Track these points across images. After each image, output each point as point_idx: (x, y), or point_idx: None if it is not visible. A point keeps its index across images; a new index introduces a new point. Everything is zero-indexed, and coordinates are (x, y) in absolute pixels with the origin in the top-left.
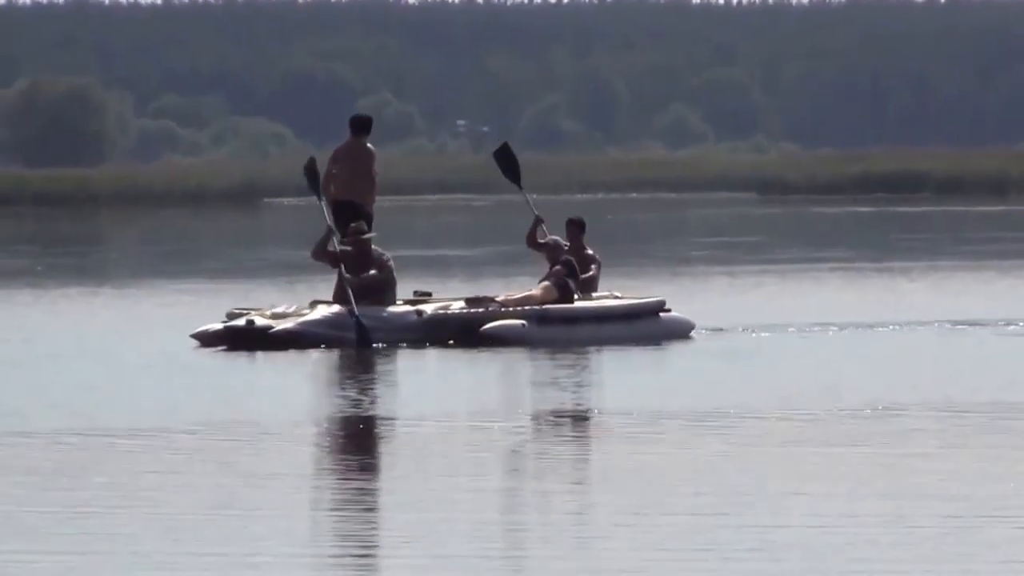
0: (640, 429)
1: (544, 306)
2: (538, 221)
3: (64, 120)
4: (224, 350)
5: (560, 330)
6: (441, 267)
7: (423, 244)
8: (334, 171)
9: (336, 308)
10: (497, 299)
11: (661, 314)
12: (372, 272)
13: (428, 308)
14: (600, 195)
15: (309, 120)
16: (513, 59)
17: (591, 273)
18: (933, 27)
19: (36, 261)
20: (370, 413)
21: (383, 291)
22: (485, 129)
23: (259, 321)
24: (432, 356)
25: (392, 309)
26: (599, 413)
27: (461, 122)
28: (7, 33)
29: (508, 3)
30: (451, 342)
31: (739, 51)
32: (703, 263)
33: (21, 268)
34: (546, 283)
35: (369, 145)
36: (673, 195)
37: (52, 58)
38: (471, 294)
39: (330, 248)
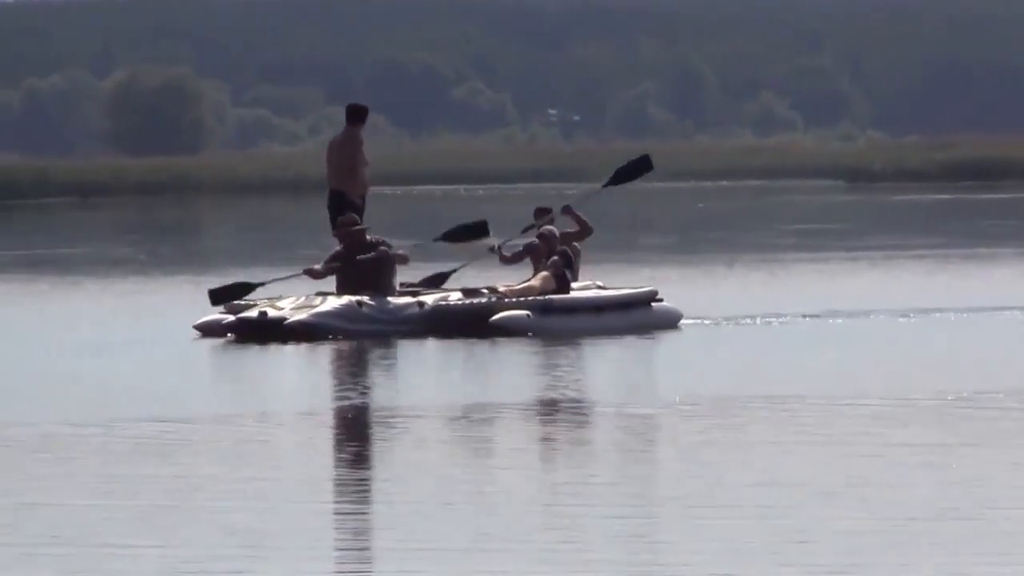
0: (704, 418)
1: (547, 296)
2: (496, 248)
3: (162, 110)
4: (233, 341)
5: (562, 320)
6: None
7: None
8: (328, 162)
9: (346, 299)
10: (499, 289)
11: (653, 304)
12: (371, 255)
13: (428, 299)
14: (689, 183)
15: (403, 109)
16: (603, 47)
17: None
18: (1021, 11)
19: (138, 250)
20: (375, 404)
21: (380, 274)
22: (576, 117)
23: (271, 312)
24: (438, 347)
25: (395, 300)
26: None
27: (552, 111)
28: (104, 25)
29: None
30: (451, 333)
31: (826, 38)
32: (790, 250)
33: (124, 257)
34: (544, 273)
35: (360, 135)
36: (761, 183)
37: (148, 49)
38: (467, 285)
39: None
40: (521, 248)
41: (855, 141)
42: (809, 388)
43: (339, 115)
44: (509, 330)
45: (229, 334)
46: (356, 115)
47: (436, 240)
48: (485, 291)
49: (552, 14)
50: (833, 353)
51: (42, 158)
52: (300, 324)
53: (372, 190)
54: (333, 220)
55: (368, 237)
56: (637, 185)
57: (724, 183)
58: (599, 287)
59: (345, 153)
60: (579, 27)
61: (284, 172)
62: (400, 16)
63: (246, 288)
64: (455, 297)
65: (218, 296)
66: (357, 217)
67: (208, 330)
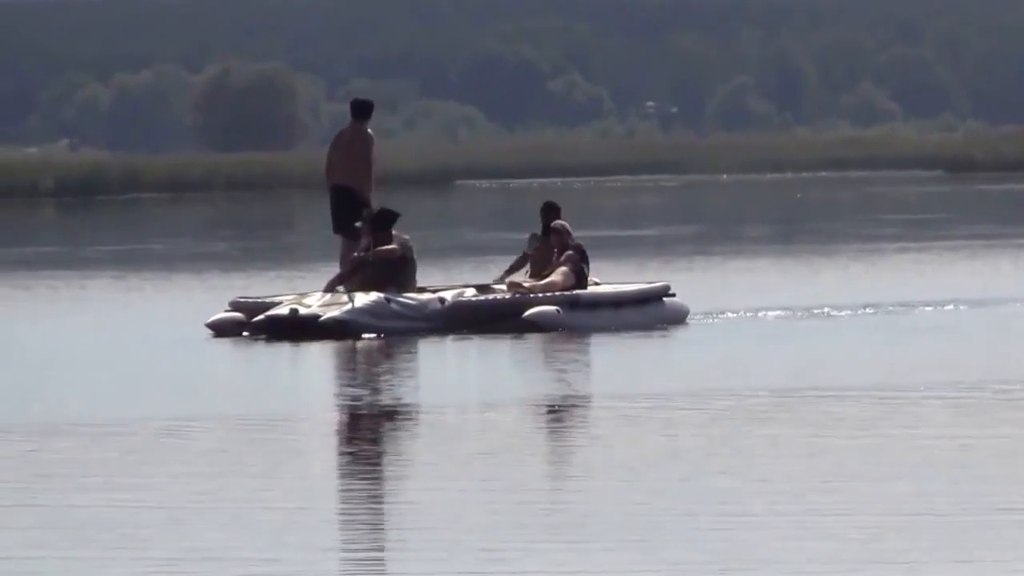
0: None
1: (573, 291)
2: (523, 259)
3: (255, 105)
4: (263, 339)
5: (587, 315)
6: (632, 247)
7: (613, 225)
8: (333, 157)
9: (375, 296)
10: (524, 284)
11: (664, 299)
12: (392, 247)
13: (448, 295)
14: (788, 174)
15: (499, 102)
16: (701, 39)
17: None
18: None
19: (231, 246)
20: (403, 402)
21: (402, 270)
22: (674, 110)
23: (303, 310)
24: (465, 344)
25: (419, 297)
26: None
27: (650, 103)
28: (197, 19)
29: None
30: (477, 329)
31: (925, 28)
32: (889, 241)
33: (218, 252)
34: (563, 269)
35: (369, 131)
36: (860, 174)
37: (242, 44)
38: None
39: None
40: (559, 227)
41: (955, 131)
42: (897, 379)
43: (436, 108)
44: (541, 325)
45: (254, 332)
46: (363, 110)
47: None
48: (500, 287)
49: (650, 6)
50: (928, 343)
51: (132, 154)
52: (335, 321)
53: (466, 183)
54: (339, 218)
55: (394, 235)
56: (735, 178)
57: (823, 174)
58: (595, 284)
59: (358, 150)
60: (678, 19)
61: (379, 166)
62: (497, 9)
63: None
64: (469, 294)
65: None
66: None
67: (221, 329)
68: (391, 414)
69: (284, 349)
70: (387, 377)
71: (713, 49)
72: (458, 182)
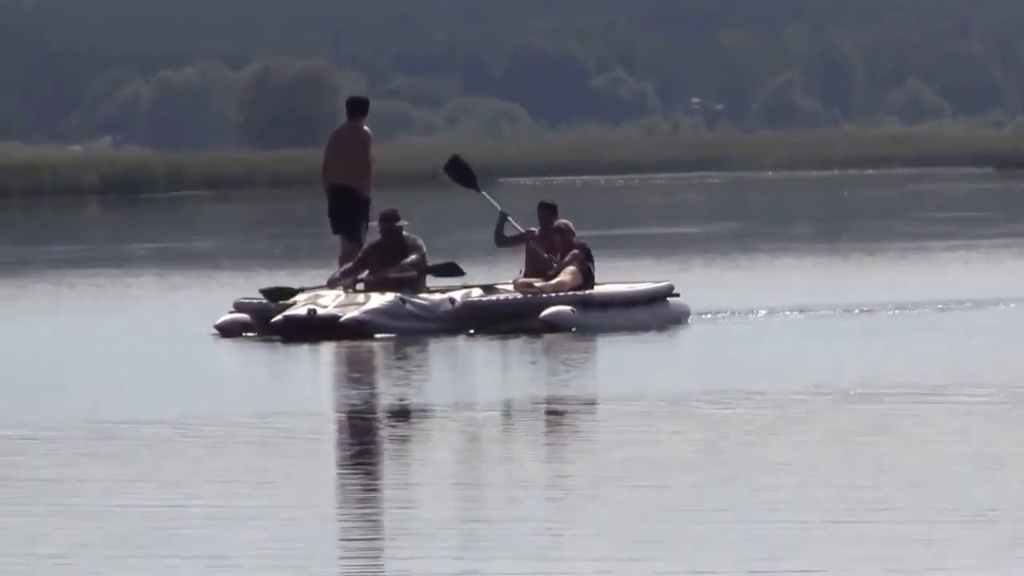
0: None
1: (586, 291)
2: (503, 216)
3: (297, 102)
4: (279, 340)
5: (599, 315)
6: (676, 245)
7: (658, 223)
8: (331, 156)
9: (390, 296)
10: (536, 284)
11: (668, 299)
12: (412, 258)
13: (457, 296)
14: (835, 172)
15: (542, 99)
16: (747, 35)
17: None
18: None
19: (274, 244)
20: (423, 403)
21: (417, 277)
22: (720, 106)
23: (320, 310)
24: (476, 345)
25: (431, 297)
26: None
27: (695, 100)
28: (238, 16)
29: None
30: (472, 331)
31: (975, 24)
32: (936, 238)
33: (260, 251)
34: (571, 268)
35: (365, 128)
36: (909, 171)
37: (283, 40)
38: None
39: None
40: (562, 225)
41: (1004, 128)
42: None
43: (478, 105)
44: (556, 325)
45: (271, 333)
46: (359, 108)
47: (444, 169)
48: (506, 287)
49: (695, 1)
50: (977, 343)
51: (175, 151)
52: (355, 322)
53: (509, 180)
54: (338, 218)
55: (406, 235)
56: (781, 175)
57: (871, 172)
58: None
59: (356, 149)
60: (724, 14)
61: (422, 164)
62: (540, 4)
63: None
64: (476, 294)
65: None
66: (398, 214)
67: (228, 330)
68: (416, 415)
69: (302, 350)
70: (407, 378)
71: (759, 45)
72: (501, 180)
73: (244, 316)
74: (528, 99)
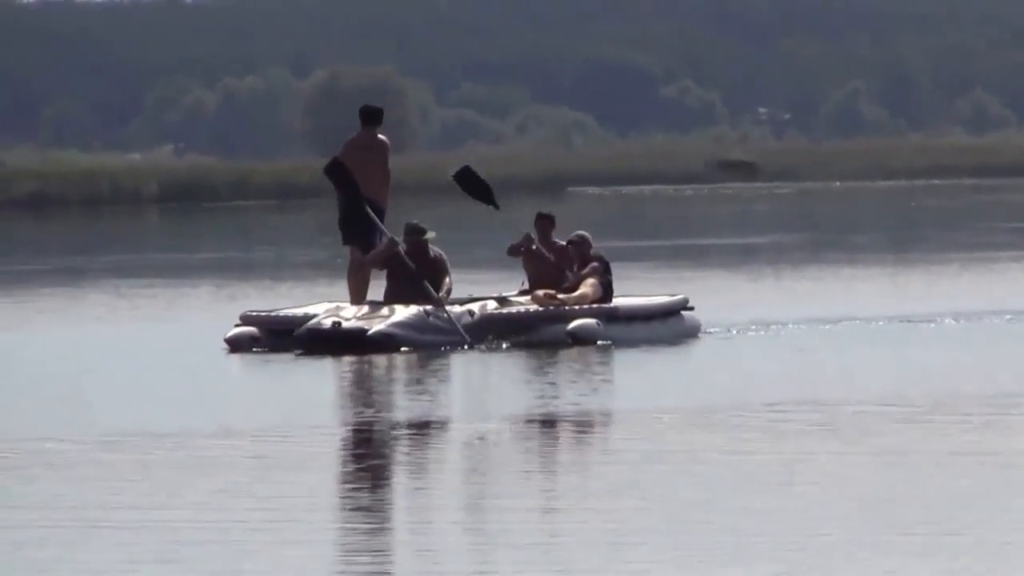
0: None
1: (611, 304)
2: (528, 239)
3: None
4: (300, 354)
5: (623, 328)
6: (747, 255)
7: (728, 232)
8: (348, 165)
9: (414, 309)
10: (559, 297)
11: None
12: (447, 281)
13: (475, 308)
14: (902, 181)
15: (611, 108)
16: (814, 45)
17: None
18: None
19: (336, 253)
20: (438, 417)
21: (437, 285)
22: (787, 116)
23: (345, 324)
24: (501, 357)
25: (452, 310)
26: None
27: (763, 109)
28: (304, 23)
29: None
30: (491, 339)
31: None
32: (1004, 249)
33: (321, 260)
34: (591, 281)
35: (381, 136)
36: (974, 181)
37: (350, 48)
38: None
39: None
40: (576, 238)
41: None
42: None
43: (546, 113)
44: (583, 338)
45: (293, 346)
46: (373, 116)
47: (453, 177)
48: (519, 300)
49: (763, 10)
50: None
51: (239, 160)
52: (382, 335)
53: (577, 190)
54: (352, 229)
55: (431, 248)
56: (849, 185)
57: (936, 181)
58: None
59: (370, 157)
60: (790, 24)
61: (490, 172)
62: (608, 13)
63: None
64: (491, 306)
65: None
66: (424, 226)
67: (238, 344)
68: (442, 429)
69: (321, 363)
70: (429, 391)
71: (826, 54)
72: (570, 189)
73: (252, 329)
74: (597, 108)
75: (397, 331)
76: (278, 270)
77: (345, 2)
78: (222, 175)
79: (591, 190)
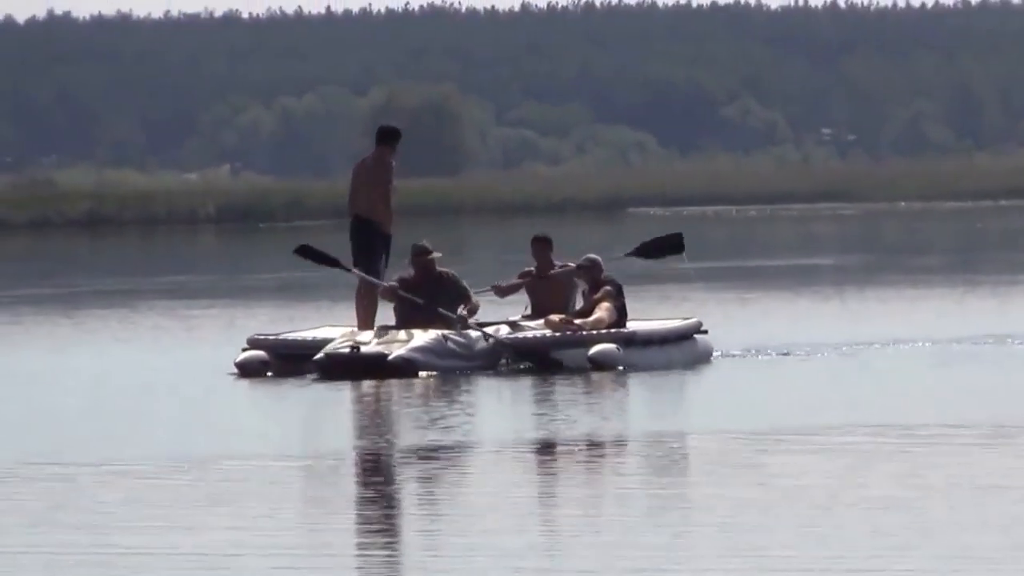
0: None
1: (630, 329)
2: (527, 275)
3: (422, 130)
4: (317, 379)
5: (641, 353)
6: (810, 276)
7: (790, 254)
8: (355, 185)
9: (434, 333)
10: (575, 322)
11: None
12: (470, 305)
13: (503, 330)
14: (968, 203)
15: (672, 128)
16: (878, 65)
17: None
18: None
19: (392, 273)
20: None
21: (452, 308)
22: (851, 137)
23: (365, 348)
24: (521, 383)
25: (469, 334)
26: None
27: (826, 130)
28: (362, 42)
29: (872, 8)
30: (522, 366)
31: None
32: None
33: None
34: (607, 305)
35: (389, 158)
36: None
37: (409, 66)
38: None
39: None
40: (586, 262)
41: None
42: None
43: (607, 133)
44: (604, 364)
45: (312, 371)
46: (384, 136)
47: (628, 255)
48: (531, 324)
49: (826, 31)
50: None
51: (296, 180)
52: (402, 360)
53: (638, 211)
54: (357, 252)
55: (440, 270)
56: (914, 206)
57: (1003, 203)
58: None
59: (373, 179)
60: (854, 44)
61: (549, 193)
62: (670, 32)
63: (332, 262)
64: (504, 331)
65: (306, 252)
66: (430, 246)
67: (247, 369)
68: (463, 453)
69: (338, 388)
70: (447, 416)
71: (890, 74)
72: (630, 209)
73: (262, 354)
74: (658, 128)
75: (418, 356)
76: (334, 290)
77: (404, 20)
78: (279, 195)
79: (651, 211)
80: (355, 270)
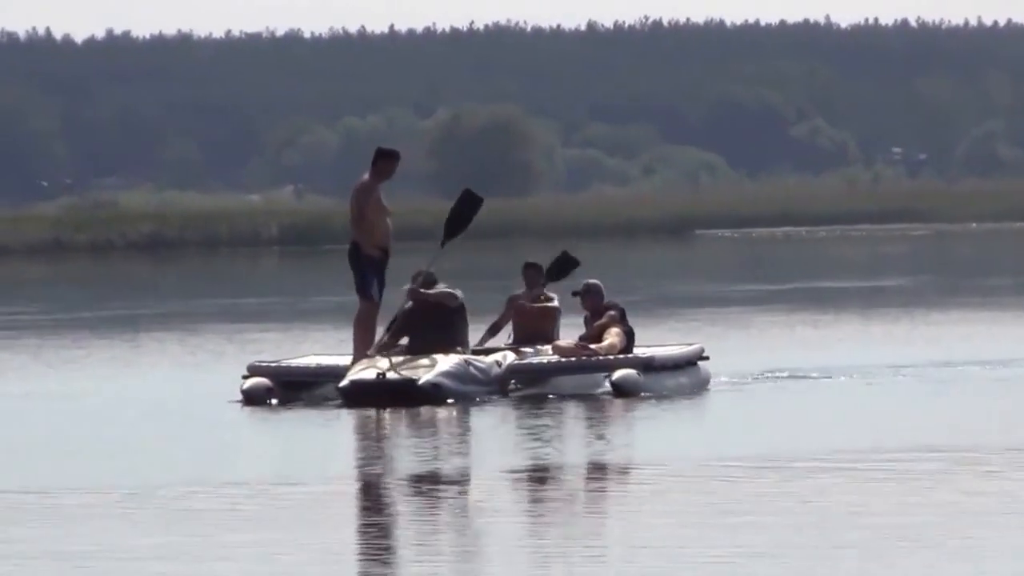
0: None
1: (648, 355)
2: (495, 328)
3: (488, 151)
4: (341, 406)
5: (653, 379)
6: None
7: (860, 275)
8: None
9: (455, 358)
10: (591, 346)
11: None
12: (458, 295)
13: (510, 357)
14: None
15: (741, 148)
16: (949, 84)
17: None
18: None
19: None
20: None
21: (459, 330)
22: (921, 156)
23: (391, 374)
24: (547, 408)
25: (484, 359)
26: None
27: (896, 149)
28: (427, 63)
29: (943, 26)
30: (525, 390)
31: None
32: None
33: None
34: (616, 330)
35: (366, 176)
36: None
37: (474, 87)
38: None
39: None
40: (591, 287)
41: None
42: None
43: (675, 154)
44: (626, 390)
45: (337, 397)
46: (374, 159)
47: (444, 244)
48: (536, 350)
49: (896, 50)
50: None
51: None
52: (432, 385)
53: (707, 232)
54: (353, 275)
55: (440, 292)
56: (985, 227)
57: None
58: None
59: (357, 202)
60: (925, 63)
61: (616, 214)
62: (738, 52)
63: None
64: (511, 358)
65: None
66: (434, 276)
67: (253, 396)
68: (483, 480)
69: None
70: (467, 443)
71: (961, 94)
72: (699, 231)
73: (266, 381)
74: (726, 148)
75: (446, 381)
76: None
77: (469, 39)
78: (343, 217)
79: (720, 232)
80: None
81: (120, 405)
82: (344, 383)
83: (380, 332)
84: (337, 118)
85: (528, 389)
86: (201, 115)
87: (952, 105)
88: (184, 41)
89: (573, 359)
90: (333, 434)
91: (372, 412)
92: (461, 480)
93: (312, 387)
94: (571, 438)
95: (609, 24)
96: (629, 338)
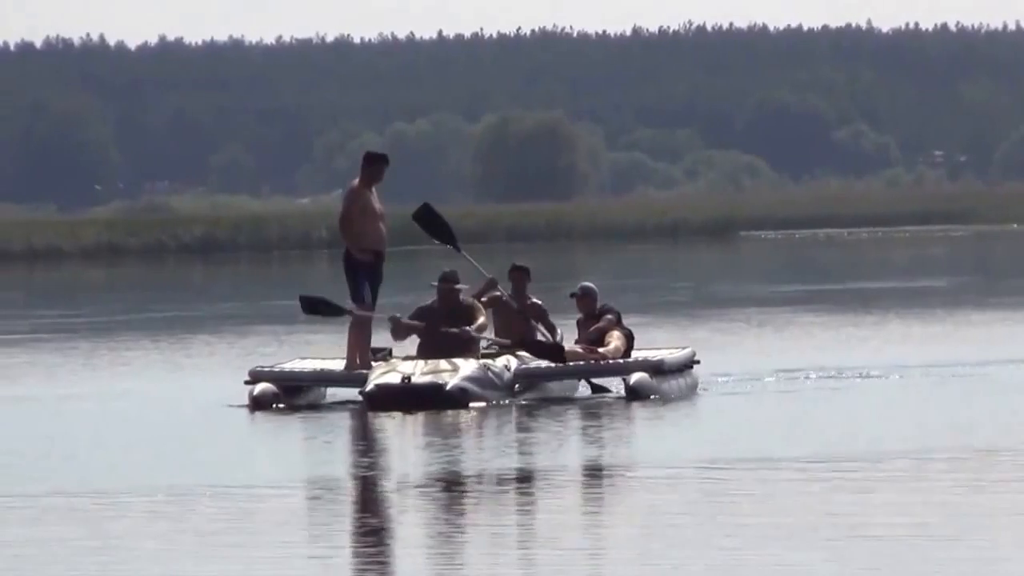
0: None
1: (659, 358)
2: (492, 283)
3: (534, 155)
4: (367, 410)
5: (662, 382)
6: (918, 298)
7: (900, 277)
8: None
9: (474, 363)
10: (599, 350)
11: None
12: (480, 321)
13: (511, 361)
14: None
15: (784, 152)
16: (990, 87)
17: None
18: None
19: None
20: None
21: (468, 351)
22: (962, 159)
23: (416, 379)
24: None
25: (497, 363)
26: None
27: (938, 152)
28: (475, 68)
29: (983, 30)
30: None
31: None
32: None
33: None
34: (617, 333)
35: (354, 182)
36: None
37: (521, 92)
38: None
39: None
40: (585, 291)
41: None
42: None
43: (718, 158)
44: (642, 393)
45: (363, 402)
46: (364, 163)
47: (413, 217)
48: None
49: (938, 53)
50: None
51: (408, 205)
52: (459, 390)
53: (750, 234)
54: (347, 279)
55: (463, 299)
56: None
57: None
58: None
59: (343, 205)
60: (966, 66)
61: (661, 217)
62: (781, 56)
63: (334, 309)
64: (515, 363)
65: (310, 305)
66: (457, 276)
67: (260, 401)
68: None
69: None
70: (484, 446)
71: (1002, 96)
72: (742, 233)
73: (272, 387)
74: (769, 151)
75: (471, 386)
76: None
77: (516, 45)
78: (391, 220)
79: (763, 234)
80: (350, 304)
81: (162, 406)
82: (369, 387)
83: (375, 337)
84: (386, 123)
85: (530, 393)
86: (252, 120)
87: (992, 108)
88: (236, 47)
89: (581, 363)
90: (353, 438)
91: (397, 415)
92: (503, 481)
93: (308, 391)
94: (617, 441)
95: (654, 29)
96: (629, 340)
